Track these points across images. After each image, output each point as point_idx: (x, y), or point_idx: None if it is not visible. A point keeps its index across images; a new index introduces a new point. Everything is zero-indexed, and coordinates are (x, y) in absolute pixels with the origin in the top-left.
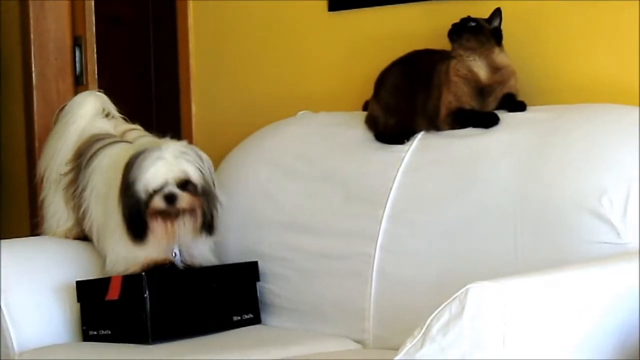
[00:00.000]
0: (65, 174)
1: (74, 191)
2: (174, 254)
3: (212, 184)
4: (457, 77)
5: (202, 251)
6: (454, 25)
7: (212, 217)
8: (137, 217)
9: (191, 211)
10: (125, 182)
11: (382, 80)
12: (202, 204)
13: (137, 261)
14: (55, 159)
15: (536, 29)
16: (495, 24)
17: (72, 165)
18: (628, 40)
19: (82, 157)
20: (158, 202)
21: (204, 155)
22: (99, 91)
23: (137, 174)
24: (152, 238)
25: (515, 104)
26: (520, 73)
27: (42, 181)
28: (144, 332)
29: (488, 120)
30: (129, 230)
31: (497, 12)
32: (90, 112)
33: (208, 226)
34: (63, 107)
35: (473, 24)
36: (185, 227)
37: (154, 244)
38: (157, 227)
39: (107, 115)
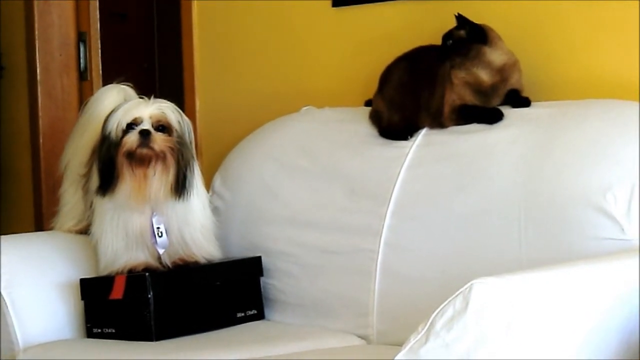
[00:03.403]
0: (85, 173)
1: (86, 185)
2: (157, 233)
3: (190, 139)
4: (459, 81)
5: (201, 246)
6: (440, 49)
7: (185, 175)
8: (108, 162)
9: (164, 159)
10: (102, 133)
11: (387, 76)
12: (176, 152)
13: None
14: (76, 156)
15: (540, 25)
16: (466, 30)
17: (90, 162)
18: (632, 37)
19: (95, 153)
20: (131, 139)
21: (186, 118)
22: (124, 84)
23: (111, 114)
24: (123, 189)
25: (519, 100)
26: (524, 69)
27: (62, 177)
28: (147, 330)
29: (492, 116)
30: (100, 181)
31: (459, 19)
32: (112, 105)
33: (181, 185)
34: (87, 102)
35: (449, 41)
36: (157, 179)
37: (126, 199)
38: (127, 175)
39: None
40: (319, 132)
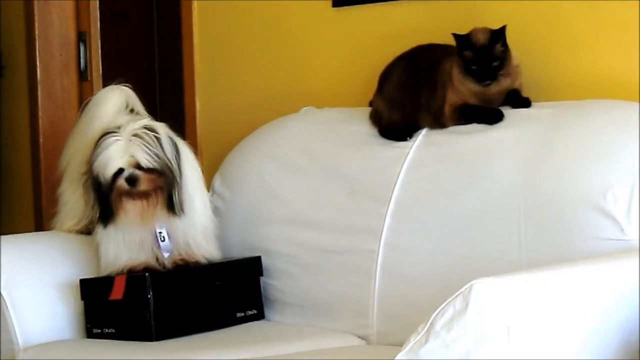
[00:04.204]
0: (85, 172)
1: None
2: (160, 237)
3: (171, 163)
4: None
5: (202, 246)
6: (480, 74)
7: (170, 196)
8: (104, 198)
9: (153, 191)
10: (90, 165)
11: (386, 75)
12: (163, 183)
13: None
14: (77, 156)
15: (540, 26)
16: (501, 42)
17: (91, 160)
18: (632, 37)
19: None
20: (122, 184)
21: (164, 134)
22: (125, 85)
23: (97, 156)
24: (124, 216)
25: (520, 100)
26: (525, 70)
27: (62, 176)
28: (147, 330)
29: (493, 117)
30: (101, 213)
31: (495, 33)
32: (113, 108)
33: (176, 205)
34: (87, 102)
35: (497, 62)
36: (152, 208)
37: (129, 223)
38: (127, 205)
39: (131, 111)
40: (319, 132)
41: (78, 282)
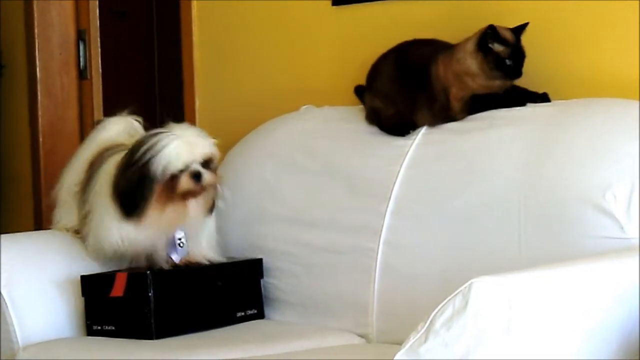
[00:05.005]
0: (78, 186)
1: (82, 196)
2: (178, 244)
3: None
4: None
5: (205, 249)
6: (511, 69)
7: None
8: (141, 193)
9: (209, 191)
10: (133, 161)
11: (375, 73)
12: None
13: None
14: (71, 178)
15: (540, 24)
16: (517, 38)
17: (84, 177)
18: (632, 36)
19: (93, 166)
20: (186, 182)
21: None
22: (134, 118)
23: (153, 153)
24: (155, 216)
25: (531, 95)
26: (524, 68)
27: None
28: (147, 328)
29: (514, 99)
30: (125, 206)
31: (515, 30)
32: (113, 135)
33: (212, 206)
34: (90, 133)
35: (510, 61)
36: (198, 206)
37: (155, 224)
38: (167, 205)
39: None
40: (319, 130)
41: (78, 280)
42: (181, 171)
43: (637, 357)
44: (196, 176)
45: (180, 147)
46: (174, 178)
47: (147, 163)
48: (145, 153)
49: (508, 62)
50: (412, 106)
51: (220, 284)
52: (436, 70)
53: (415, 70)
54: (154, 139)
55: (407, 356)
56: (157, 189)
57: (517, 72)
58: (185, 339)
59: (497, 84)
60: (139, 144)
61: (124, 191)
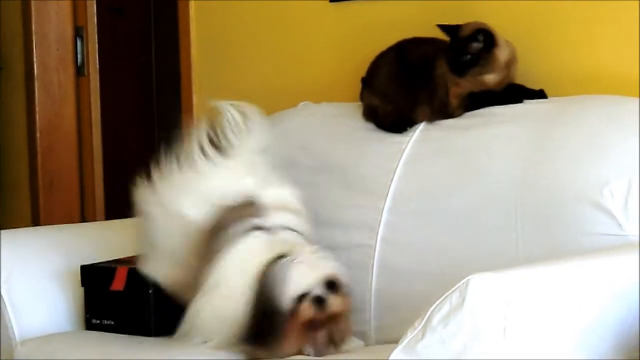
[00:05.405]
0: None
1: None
2: None
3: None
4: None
5: None
6: (451, 63)
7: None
8: (270, 324)
9: (337, 321)
10: (263, 292)
11: (374, 71)
12: (350, 303)
13: None
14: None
15: (536, 21)
16: (480, 40)
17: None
18: (628, 32)
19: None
20: (306, 310)
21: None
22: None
23: (276, 281)
24: (286, 348)
25: (528, 92)
26: (521, 65)
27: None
28: (147, 325)
29: (511, 96)
30: (260, 337)
31: (477, 32)
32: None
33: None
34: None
35: (467, 57)
36: (327, 336)
37: (282, 354)
38: (296, 337)
39: None
40: (317, 127)
41: (77, 274)
42: (301, 298)
43: (635, 354)
44: (318, 301)
45: (300, 271)
46: (296, 308)
47: (272, 294)
48: (269, 283)
49: (449, 55)
50: (412, 102)
51: None
52: (439, 66)
53: (417, 67)
54: (277, 266)
55: (405, 353)
56: (295, 321)
57: (454, 67)
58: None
59: (490, 81)
60: (265, 274)
61: (260, 326)
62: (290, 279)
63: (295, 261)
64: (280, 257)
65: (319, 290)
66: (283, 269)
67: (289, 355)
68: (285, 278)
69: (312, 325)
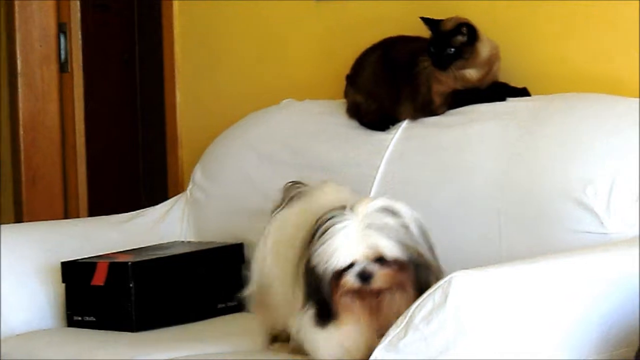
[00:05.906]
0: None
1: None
2: None
3: (421, 249)
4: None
5: None
6: (434, 57)
7: (423, 290)
8: (322, 300)
9: (397, 288)
10: (308, 260)
11: (359, 69)
12: (408, 278)
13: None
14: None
15: (519, 19)
16: (463, 33)
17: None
18: (614, 30)
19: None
20: (350, 281)
21: (407, 213)
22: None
23: (319, 250)
24: (348, 317)
25: (511, 90)
26: (504, 63)
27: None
28: (128, 320)
29: (495, 94)
30: (318, 315)
31: (460, 26)
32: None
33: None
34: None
35: (451, 50)
36: (391, 305)
37: (351, 324)
38: (353, 306)
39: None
40: (299, 124)
41: (58, 270)
42: (346, 270)
43: (620, 353)
44: (362, 276)
45: (345, 238)
46: (340, 276)
47: (316, 264)
48: (313, 251)
49: (432, 49)
50: (395, 100)
51: (202, 272)
52: (423, 63)
53: (401, 64)
54: (323, 224)
55: (387, 351)
56: (340, 291)
57: (437, 60)
58: (166, 332)
59: (472, 76)
60: (312, 234)
61: (314, 300)
62: (336, 247)
63: (344, 224)
64: (328, 219)
65: (364, 265)
66: (332, 231)
67: (346, 325)
68: (332, 244)
69: (362, 295)
